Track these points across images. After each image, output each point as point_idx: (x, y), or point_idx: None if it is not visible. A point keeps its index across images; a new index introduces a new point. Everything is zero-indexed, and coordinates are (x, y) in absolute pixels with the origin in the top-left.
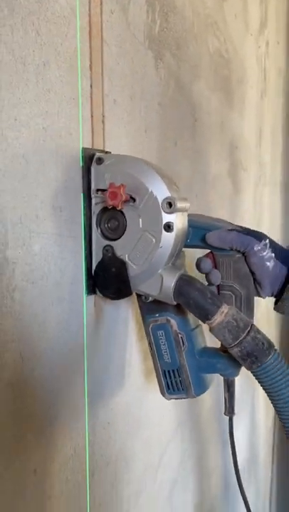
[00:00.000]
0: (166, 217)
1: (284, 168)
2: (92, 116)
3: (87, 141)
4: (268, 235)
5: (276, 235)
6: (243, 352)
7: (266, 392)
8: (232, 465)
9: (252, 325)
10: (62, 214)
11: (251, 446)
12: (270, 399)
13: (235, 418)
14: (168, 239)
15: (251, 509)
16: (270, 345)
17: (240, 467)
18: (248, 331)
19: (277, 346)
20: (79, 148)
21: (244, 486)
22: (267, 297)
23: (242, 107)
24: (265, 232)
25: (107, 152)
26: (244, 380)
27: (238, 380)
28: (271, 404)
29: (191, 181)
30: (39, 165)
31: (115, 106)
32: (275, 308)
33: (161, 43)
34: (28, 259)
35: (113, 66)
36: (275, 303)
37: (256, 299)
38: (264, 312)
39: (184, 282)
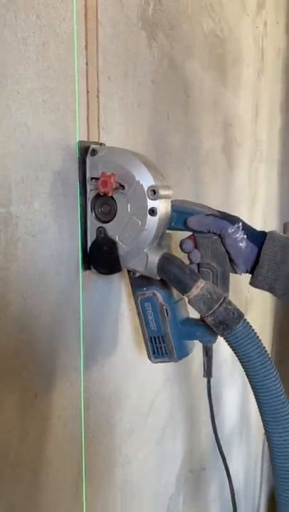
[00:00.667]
0: (151, 203)
1: (281, 146)
2: (87, 91)
3: (84, 128)
4: (242, 219)
5: (272, 211)
6: (216, 320)
7: (238, 358)
8: (221, 422)
9: (224, 297)
10: (60, 177)
11: (243, 407)
12: (242, 365)
13: (228, 377)
14: (152, 222)
15: (242, 467)
16: (240, 315)
17: (232, 426)
18: (221, 303)
19: (270, 333)
20: (75, 123)
21: (236, 444)
22: (243, 273)
23: (237, 86)
24: (260, 207)
25: (101, 144)
26: None
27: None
28: None
29: (183, 155)
30: (38, 133)
31: (109, 82)
32: (250, 283)
33: (154, 24)
34: (29, 215)
35: (107, 46)
36: (251, 279)
37: (252, 297)
38: (260, 302)
39: (166, 260)
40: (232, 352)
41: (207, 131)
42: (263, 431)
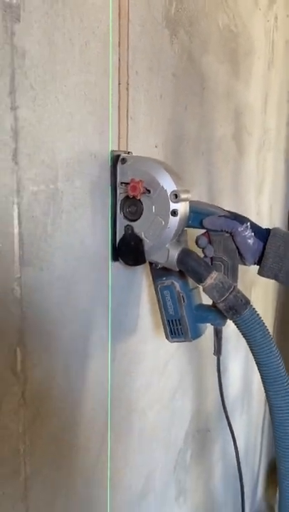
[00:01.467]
0: (173, 206)
1: (288, 135)
2: (119, 83)
3: (115, 121)
4: (250, 219)
5: (278, 199)
6: (227, 306)
7: (245, 338)
8: (225, 391)
9: (234, 286)
10: (96, 161)
11: (246, 379)
12: (248, 344)
13: (232, 351)
14: (173, 222)
15: (243, 436)
16: (247, 301)
17: (235, 396)
18: (231, 291)
19: (273, 317)
20: (108, 111)
21: (237, 413)
22: (251, 265)
23: (248, 77)
24: (267, 195)
25: (129, 153)
26: None
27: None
28: None
29: (198, 141)
30: (81, 121)
31: (137, 76)
32: (258, 273)
33: (176, 21)
34: (72, 191)
35: (136, 43)
36: (259, 270)
37: (253, 282)
38: (263, 287)
39: (184, 254)
40: (236, 329)
41: (220, 120)
42: (264, 404)
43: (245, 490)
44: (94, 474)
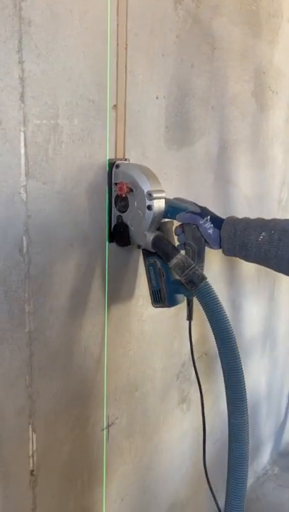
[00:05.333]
0: (148, 202)
1: None
2: (117, 44)
3: (113, 79)
4: (213, 213)
5: None
6: (187, 280)
7: (201, 305)
8: (239, 330)
9: (193, 265)
10: (93, 105)
11: (268, 321)
12: (204, 310)
13: (249, 293)
14: (149, 214)
15: (265, 377)
16: (203, 277)
17: (251, 336)
18: (190, 269)
19: None
20: (107, 66)
21: (257, 353)
22: (217, 249)
23: (274, 39)
24: None
25: (126, 159)
26: (266, 271)
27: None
28: None
29: (207, 96)
30: (79, 74)
31: (136, 37)
32: (223, 253)
33: None
34: (71, 127)
35: (136, 10)
36: (222, 251)
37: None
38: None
39: (157, 238)
40: (257, 271)
41: (234, 77)
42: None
43: (269, 432)
44: (90, 350)
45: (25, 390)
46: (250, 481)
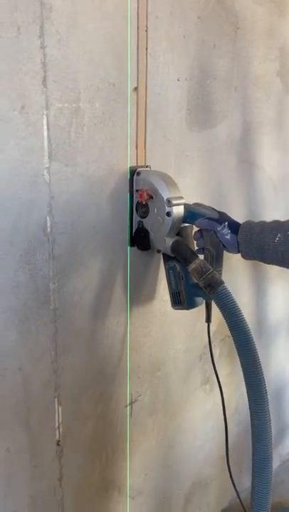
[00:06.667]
0: (167, 209)
1: None
2: (138, 27)
3: (134, 59)
4: (230, 218)
5: None
6: (205, 284)
7: (219, 308)
8: (265, 314)
9: (212, 270)
10: (114, 88)
11: None
12: (221, 313)
13: (275, 279)
14: (168, 220)
15: None
16: (221, 282)
17: (277, 320)
18: (209, 273)
19: None
20: (127, 50)
21: (281, 337)
22: (236, 254)
23: None
24: None
25: (147, 166)
26: None
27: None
28: None
29: (230, 77)
30: (100, 57)
31: (157, 20)
32: (242, 257)
33: None
34: (92, 110)
35: None
36: (241, 256)
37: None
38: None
39: (176, 244)
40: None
41: (259, 57)
42: None
43: None
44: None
45: (50, 365)
46: (276, 464)
